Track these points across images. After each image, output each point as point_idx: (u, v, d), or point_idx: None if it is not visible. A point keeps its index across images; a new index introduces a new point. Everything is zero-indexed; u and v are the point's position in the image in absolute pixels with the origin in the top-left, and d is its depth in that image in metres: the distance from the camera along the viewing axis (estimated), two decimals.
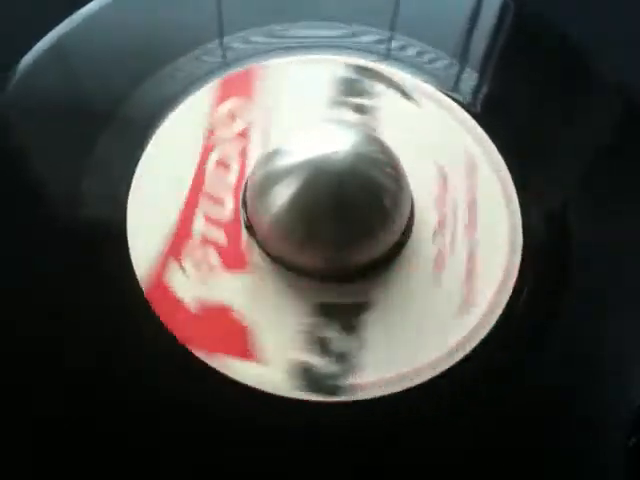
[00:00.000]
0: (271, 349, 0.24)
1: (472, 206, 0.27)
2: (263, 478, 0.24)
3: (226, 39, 0.30)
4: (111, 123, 0.28)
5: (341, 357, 0.24)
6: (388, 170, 0.25)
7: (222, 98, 0.28)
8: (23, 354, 0.25)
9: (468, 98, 0.29)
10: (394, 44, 0.31)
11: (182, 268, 0.25)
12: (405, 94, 0.29)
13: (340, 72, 0.29)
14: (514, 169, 0.28)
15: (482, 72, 0.30)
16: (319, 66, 0.29)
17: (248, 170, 0.27)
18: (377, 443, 0.24)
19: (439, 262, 0.26)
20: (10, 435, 0.24)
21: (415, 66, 0.30)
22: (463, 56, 0.31)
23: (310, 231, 0.24)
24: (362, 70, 0.29)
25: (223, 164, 0.27)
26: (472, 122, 0.28)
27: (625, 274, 0.27)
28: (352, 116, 0.28)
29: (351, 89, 0.29)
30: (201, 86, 0.29)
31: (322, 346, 0.24)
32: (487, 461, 0.24)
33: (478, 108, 0.29)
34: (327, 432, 0.24)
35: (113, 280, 0.25)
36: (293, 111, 0.28)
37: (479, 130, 0.28)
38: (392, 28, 0.31)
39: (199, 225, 0.26)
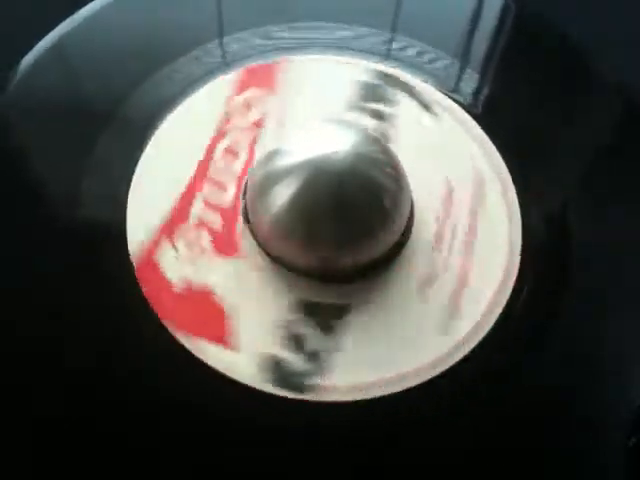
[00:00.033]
0: (246, 338, 0.25)
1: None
2: (263, 478, 0.24)
3: (226, 39, 0.30)
4: (111, 123, 0.28)
5: (313, 356, 0.24)
6: (388, 170, 0.25)
7: (242, 87, 0.29)
8: (23, 354, 0.25)
9: (468, 98, 0.29)
10: (394, 44, 0.31)
11: (174, 248, 0.26)
12: (424, 105, 0.29)
13: (363, 76, 0.29)
14: (514, 169, 0.28)
15: (482, 72, 0.30)
16: (344, 67, 0.29)
17: (255, 159, 0.27)
18: (377, 443, 0.24)
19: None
20: (10, 435, 0.24)
21: (415, 66, 0.30)
22: (464, 56, 0.31)
23: (310, 231, 0.24)
24: (385, 76, 0.29)
25: (232, 152, 0.27)
26: (485, 138, 0.28)
27: (625, 274, 0.27)
28: (369, 121, 0.28)
29: (372, 94, 0.29)
30: (201, 86, 0.29)
31: (296, 343, 0.25)
32: (487, 461, 0.24)
33: (479, 108, 0.29)
34: (327, 432, 0.24)
35: (113, 280, 0.25)
36: (310, 108, 0.28)
37: (490, 145, 0.28)
38: (393, 28, 0.31)
39: (197, 209, 0.26)
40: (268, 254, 0.26)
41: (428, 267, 0.26)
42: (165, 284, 0.25)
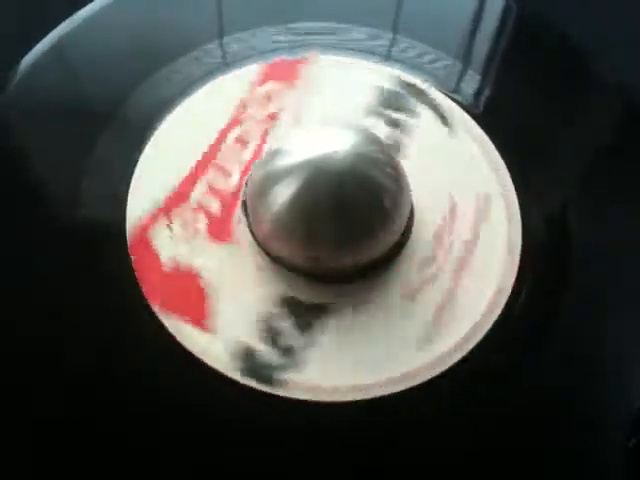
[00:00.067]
0: (223, 324, 0.25)
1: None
2: (263, 478, 0.24)
3: (226, 39, 0.30)
4: (111, 123, 0.28)
5: (287, 351, 0.24)
6: (388, 170, 0.25)
7: (265, 79, 0.29)
8: (23, 354, 0.25)
9: (469, 99, 0.29)
10: (395, 45, 0.31)
11: (169, 227, 0.26)
12: (444, 119, 0.28)
13: (386, 82, 0.29)
14: (514, 169, 0.28)
15: (483, 73, 0.30)
16: (368, 71, 0.29)
17: (265, 150, 0.27)
18: (377, 443, 0.24)
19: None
20: (10, 435, 0.24)
21: (416, 67, 0.30)
22: (464, 57, 0.31)
23: (310, 231, 0.25)
24: (408, 86, 0.29)
25: (242, 141, 0.28)
26: (500, 161, 0.28)
27: (625, 274, 0.27)
28: (384, 128, 0.28)
29: (392, 102, 0.29)
30: (201, 86, 0.29)
31: (272, 336, 0.25)
32: (487, 461, 0.24)
33: (479, 108, 0.29)
34: (327, 432, 0.24)
35: (113, 280, 0.25)
36: (329, 107, 0.28)
37: (502, 166, 0.28)
38: (393, 29, 0.31)
39: (199, 192, 0.27)
40: (267, 253, 0.26)
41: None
42: (155, 262, 0.25)
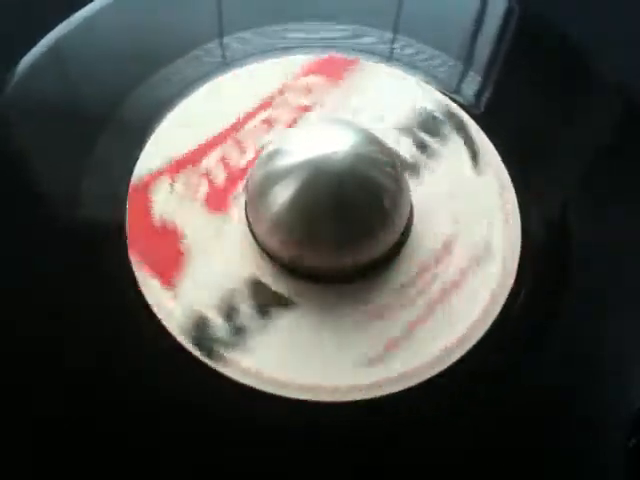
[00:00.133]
0: (188, 290, 0.25)
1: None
2: (263, 478, 0.24)
3: (226, 39, 0.30)
4: (110, 124, 0.28)
5: (238, 330, 0.25)
6: (388, 170, 0.25)
7: (310, 72, 0.29)
8: (23, 354, 0.25)
9: (470, 99, 0.29)
10: (396, 45, 0.31)
11: (171, 185, 0.26)
12: (474, 155, 0.28)
13: (430, 104, 0.29)
14: (514, 169, 0.28)
15: (484, 74, 0.30)
16: (415, 88, 0.29)
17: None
18: (377, 443, 0.24)
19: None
20: (10, 435, 0.24)
21: (417, 67, 0.30)
22: (466, 58, 0.31)
23: (310, 231, 0.25)
24: (449, 113, 0.29)
25: (269, 123, 0.28)
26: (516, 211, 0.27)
27: (625, 274, 0.27)
28: (410, 148, 0.28)
29: (428, 124, 0.28)
30: (201, 86, 0.29)
31: (229, 312, 0.25)
32: (487, 461, 0.24)
33: (480, 109, 0.29)
34: (327, 432, 0.24)
35: (113, 280, 0.25)
36: (361, 114, 0.28)
37: (515, 209, 0.28)
38: (394, 29, 0.31)
39: (210, 160, 0.27)
40: (267, 253, 0.26)
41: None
42: (147, 215, 0.26)
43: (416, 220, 0.27)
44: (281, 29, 0.30)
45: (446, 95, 0.29)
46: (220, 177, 0.27)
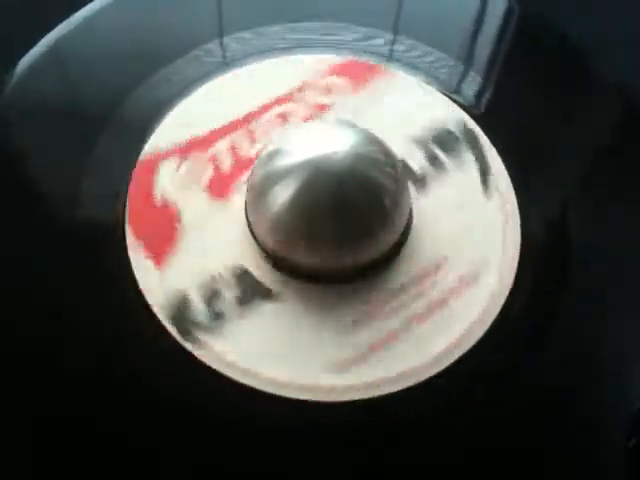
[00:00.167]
0: (176, 270, 0.25)
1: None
2: (263, 478, 0.24)
3: (226, 39, 0.30)
4: (110, 124, 0.28)
5: (217, 315, 0.25)
6: (388, 170, 0.25)
7: (333, 72, 0.29)
8: (23, 354, 0.25)
9: (470, 99, 0.29)
10: (396, 45, 0.31)
11: (178, 166, 0.27)
12: (484, 179, 0.28)
13: (450, 120, 0.28)
14: (514, 169, 0.28)
15: (484, 74, 0.30)
16: (437, 102, 0.29)
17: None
18: (377, 443, 0.24)
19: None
20: (10, 435, 0.24)
21: (418, 68, 0.30)
22: (466, 58, 0.31)
23: (310, 231, 0.25)
24: (466, 130, 0.28)
25: (284, 117, 0.28)
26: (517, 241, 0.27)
27: (625, 274, 0.27)
28: (421, 160, 0.28)
29: (444, 140, 0.28)
30: (200, 86, 0.29)
31: (211, 296, 0.25)
32: (487, 461, 0.24)
33: (480, 109, 0.29)
34: (327, 432, 0.24)
35: (113, 280, 0.25)
36: (377, 120, 0.28)
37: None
38: (394, 29, 0.31)
39: (219, 147, 0.27)
40: (267, 253, 0.26)
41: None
42: (149, 192, 0.26)
43: (417, 223, 0.27)
44: (281, 29, 0.30)
45: (446, 95, 0.29)
46: (227, 164, 0.27)
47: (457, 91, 0.30)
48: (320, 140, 0.25)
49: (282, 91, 0.29)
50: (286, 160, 0.25)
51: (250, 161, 0.27)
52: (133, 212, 0.26)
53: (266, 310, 0.25)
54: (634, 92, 0.30)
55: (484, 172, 0.28)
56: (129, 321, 0.25)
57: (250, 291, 0.25)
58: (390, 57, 0.30)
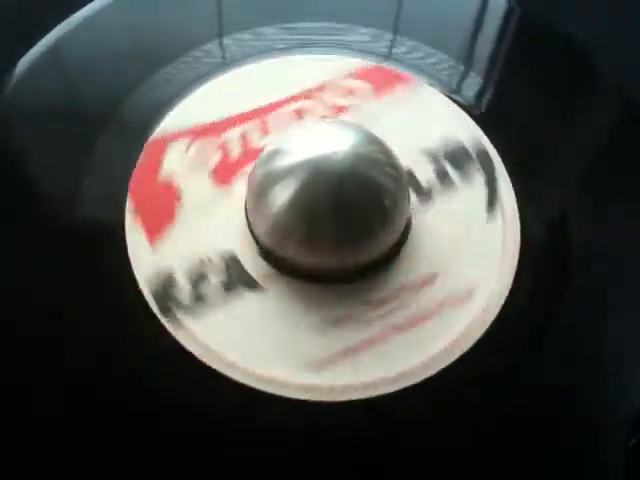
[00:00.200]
0: (168, 249, 0.26)
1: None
2: (263, 478, 0.24)
3: (225, 40, 0.30)
4: (110, 124, 0.28)
5: (198, 298, 0.25)
6: (388, 170, 0.25)
7: (358, 76, 0.29)
8: (23, 354, 0.25)
9: (470, 100, 0.29)
10: (396, 45, 0.31)
11: (187, 148, 0.27)
12: (491, 202, 0.27)
13: (467, 138, 0.28)
14: (514, 169, 0.28)
15: (484, 74, 0.30)
16: (457, 119, 0.29)
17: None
18: (377, 443, 0.24)
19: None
20: (10, 435, 0.24)
21: (418, 68, 0.30)
22: (466, 58, 0.31)
23: (310, 231, 0.25)
24: (483, 153, 0.28)
25: (299, 113, 0.28)
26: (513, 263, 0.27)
27: (625, 274, 0.27)
28: (429, 174, 0.27)
29: (456, 156, 0.28)
30: (200, 86, 0.29)
31: (197, 279, 0.25)
32: (487, 461, 0.24)
33: (480, 109, 0.29)
34: (327, 432, 0.24)
35: (113, 280, 0.25)
36: (392, 129, 0.28)
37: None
38: (395, 29, 0.31)
39: (232, 134, 0.28)
40: (260, 245, 0.26)
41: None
42: (155, 170, 0.27)
43: (415, 232, 0.26)
44: (281, 29, 0.30)
45: (447, 96, 0.29)
46: (235, 152, 0.27)
47: (457, 91, 0.30)
48: (320, 140, 0.25)
49: (301, 88, 0.29)
50: (286, 160, 0.25)
51: (259, 152, 0.27)
52: (136, 186, 0.26)
53: (249, 300, 0.25)
54: (634, 92, 0.30)
55: (491, 196, 0.27)
56: (129, 321, 0.25)
57: (236, 279, 0.25)
58: (389, 56, 0.30)
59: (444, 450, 0.24)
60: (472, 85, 0.30)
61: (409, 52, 0.30)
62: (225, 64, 0.30)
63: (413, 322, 0.25)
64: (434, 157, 0.28)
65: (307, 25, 0.31)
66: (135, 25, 0.31)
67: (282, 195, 0.24)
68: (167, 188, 0.27)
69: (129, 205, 0.26)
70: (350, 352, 0.25)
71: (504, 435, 0.25)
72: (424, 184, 0.27)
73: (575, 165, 0.29)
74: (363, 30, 0.31)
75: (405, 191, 0.26)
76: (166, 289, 0.25)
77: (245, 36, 0.30)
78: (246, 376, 0.24)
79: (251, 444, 0.24)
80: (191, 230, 0.26)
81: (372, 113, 0.28)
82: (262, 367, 0.24)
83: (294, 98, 0.28)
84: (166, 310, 0.25)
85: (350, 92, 0.29)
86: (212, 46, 0.30)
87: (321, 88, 0.29)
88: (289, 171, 0.24)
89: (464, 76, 0.30)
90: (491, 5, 0.33)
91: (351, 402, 0.24)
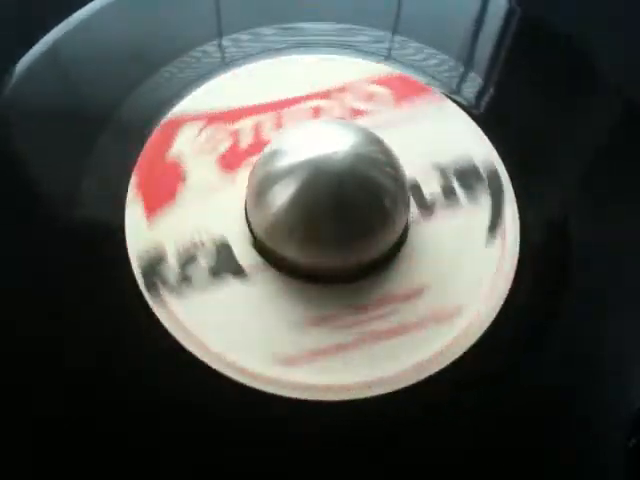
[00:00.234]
0: (164, 228, 0.26)
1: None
2: (263, 478, 0.24)
3: (224, 40, 0.30)
4: (109, 125, 0.28)
5: (185, 278, 0.25)
6: (388, 170, 0.25)
7: (382, 83, 0.29)
8: (23, 354, 0.25)
9: (470, 100, 0.29)
10: (395, 45, 0.31)
11: (199, 132, 0.27)
12: (492, 226, 0.27)
13: (480, 159, 0.28)
14: (514, 169, 0.28)
15: (485, 75, 0.30)
16: (474, 139, 0.28)
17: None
18: (377, 443, 0.24)
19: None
20: (10, 435, 0.24)
21: (418, 68, 0.30)
22: (466, 59, 0.31)
23: (310, 231, 0.25)
24: (494, 176, 0.27)
25: (317, 111, 0.28)
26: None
27: (625, 274, 0.27)
28: (435, 188, 0.27)
29: (465, 175, 0.27)
30: (199, 86, 0.29)
31: (186, 260, 0.26)
32: (487, 461, 0.24)
33: (480, 109, 0.29)
34: (327, 432, 0.24)
35: (113, 280, 0.25)
36: (406, 140, 0.27)
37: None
38: (394, 29, 0.31)
39: (245, 123, 0.28)
40: (260, 245, 0.26)
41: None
42: (164, 149, 0.27)
43: (410, 243, 0.26)
44: (281, 29, 0.30)
45: (448, 97, 0.29)
46: (246, 141, 0.27)
47: (457, 91, 0.30)
48: (320, 140, 0.25)
49: (321, 87, 0.29)
50: (286, 160, 0.25)
51: (267, 144, 0.27)
52: (144, 161, 0.27)
53: (233, 287, 0.25)
54: (634, 92, 0.30)
55: (495, 220, 0.27)
56: (129, 321, 0.25)
57: (224, 266, 0.26)
58: (388, 57, 0.30)
59: (444, 450, 0.24)
60: (472, 85, 0.30)
61: (409, 52, 0.30)
62: (224, 64, 0.30)
63: (394, 332, 0.25)
64: (443, 172, 0.27)
65: (306, 25, 0.31)
66: (134, 25, 0.31)
67: (282, 195, 0.24)
68: (174, 168, 0.27)
69: (134, 179, 0.27)
70: (321, 353, 0.25)
71: (504, 435, 0.25)
72: (428, 197, 0.27)
73: (575, 165, 0.29)
74: (363, 30, 0.31)
75: (405, 191, 0.26)
76: (154, 266, 0.25)
77: (244, 36, 0.30)
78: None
79: (251, 444, 0.24)
80: (189, 211, 0.26)
81: (389, 120, 0.28)
82: (232, 354, 0.24)
83: (313, 96, 0.28)
84: (151, 287, 0.25)
85: (370, 97, 0.29)
86: (211, 46, 0.30)
87: (342, 89, 0.29)
88: (289, 171, 0.24)
89: (464, 76, 0.30)
90: (491, 6, 0.33)
91: (355, 402, 0.24)
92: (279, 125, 0.28)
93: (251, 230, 0.26)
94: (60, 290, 0.25)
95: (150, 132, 0.28)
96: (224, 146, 0.27)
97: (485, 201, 0.27)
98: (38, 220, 0.27)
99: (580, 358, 0.26)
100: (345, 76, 0.29)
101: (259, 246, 0.26)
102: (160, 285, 0.25)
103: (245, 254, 0.26)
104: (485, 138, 0.28)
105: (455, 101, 0.29)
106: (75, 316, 0.25)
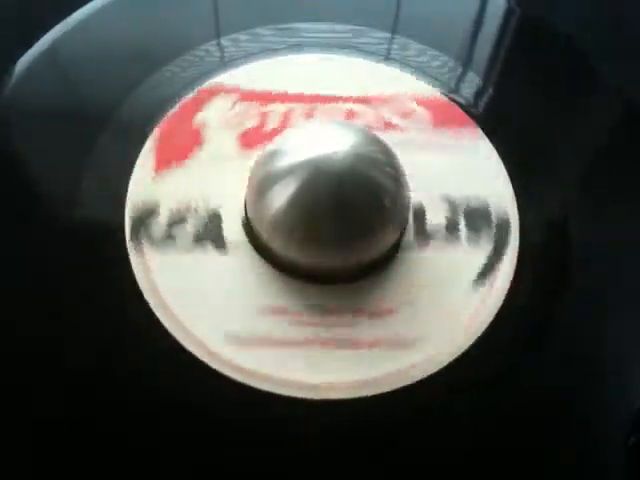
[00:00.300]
0: (166, 186, 0.27)
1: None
2: (263, 478, 0.24)
3: (223, 40, 0.30)
4: (109, 124, 0.28)
5: (169, 238, 0.26)
6: (388, 170, 0.25)
7: (422, 103, 0.29)
8: (23, 354, 0.25)
9: (470, 100, 0.29)
10: (395, 45, 0.31)
11: (232, 106, 0.28)
12: (483, 273, 0.26)
13: (494, 202, 0.27)
14: (514, 169, 0.28)
15: (485, 75, 0.30)
16: (495, 181, 0.28)
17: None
18: (377, 443, 0.24)
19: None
20: (10, 435, 0.24)
21: (418, 68, 0.30)
22: (465, 59, 0.31)
23: (310, 231, 0.25)
24: (502, 221, 0.27)
25: (352, 114, 0.28)
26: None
27: (625, 274, 0.27)
28: (440, 220, 0.27)
29: (472, 215, 0.27)
30: (199, 86, 0.29)
31: (176, 220, 0.26)
32: (487, 461, 0.24)
33: (480, 109, 0.29)
34: (327, 432, 0.24)
35: (113, 280, 0.25)
36: (429, 164, 0.27)
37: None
38: (393, 29, 0.31)
39: (276, 108, 0.28)
40: (268, 254, 0.26)
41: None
42: (192, 114, 0.28)
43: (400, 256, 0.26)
44: (281, 29, 0.30)
45: (445, 95, 0.29)
46: (271, 125, 0.28)
47: (457, 91, 0.30)
48: (320, 140, 0.25)
49: (362, 93, 0.29)
50: (286, 160, 0.25)
51: None
52: (169, 121, 0.28)
53: (211, 258, 0.26)
54: (634, 92, 0.30)
55: (487, 269, 0.26)
56: (129, 321, 0.25)
57: (210, 235, 0.26)
58: (387, 57, 0.30)
59: (444, 450, 0.24)
60: (472, 85, 0.30)
61: (409, 52, 0.30)
62: (223, 64, 0.30)
63: (344, 343, 0.25)
64: (453, 207, 0.27)
65: (306, 25, 0.31)
66: (134, 25, 0.31)
67: (282, 195, 0.24)
68: (195, 132, 0.28)
69: (155, 132, 0.27)
70: (272, 344, 0.25)
71: (504, 435, 0.25)
72: (428, 226, 0.27)
73: (575, 165, 0.29)
74: (361, 30, 0.31)
75: (405, 192, 0.26)
76: (144, 218, 0.26)
77: (243, 36, 0.30)
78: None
79: (251, 444, 0.24)
80: (195, 177, 0.27)
81: (417, 142, 0.28)
82: (188, 323, 0.25)
83: (351, 99, 0.29)
84: (135, 235, 0.26)
85: (408, 114, 0.29)
86: (210, 46, 0.30)
87: (383, 100, 0.29)
88: (289, 171, 0.24)
89: (464, 76, 0.30)
90: (491, 6, 0.33)
91: (355, 401, 0.24)
92: (310, 116, 0.28)
93: (245, 211, 0.26)
94: (60, 290, 0.25)
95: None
96: (250, 123, 0.28)
97: (485, 248, 0.27)
98: (38, 220, 0.27)
99: (580, 358, 0.26)
100: (390, 87, 0.29)
101: (249, 231, 0.26)
102: (144, 236, 0.26)
103: (233, 231, 0.26)
104: (509, 186, 0.28)
105: (455, 101, 0.29)
106: (75, 316, 0.25)
